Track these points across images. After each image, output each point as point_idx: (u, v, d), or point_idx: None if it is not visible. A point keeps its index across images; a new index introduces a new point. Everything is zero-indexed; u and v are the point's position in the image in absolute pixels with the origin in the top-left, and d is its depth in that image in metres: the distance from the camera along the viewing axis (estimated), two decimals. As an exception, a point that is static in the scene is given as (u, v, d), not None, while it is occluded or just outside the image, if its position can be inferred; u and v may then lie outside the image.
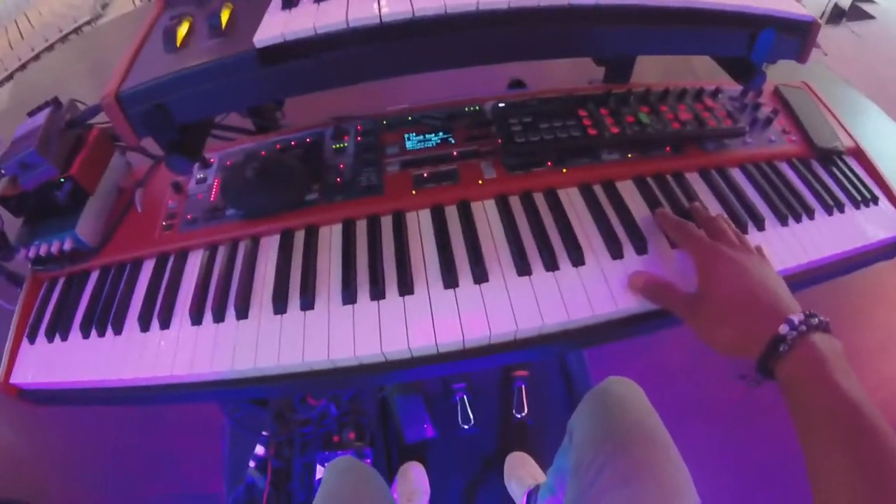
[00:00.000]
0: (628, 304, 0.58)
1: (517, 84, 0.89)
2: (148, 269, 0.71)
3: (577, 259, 0.62)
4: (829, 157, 0.78)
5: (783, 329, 0.46)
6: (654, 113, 0.75)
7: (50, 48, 3.45)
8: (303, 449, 1.24)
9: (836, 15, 2.76)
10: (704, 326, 0.51)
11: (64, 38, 3.55)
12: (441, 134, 0.76)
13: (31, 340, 0.69)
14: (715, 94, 0.81)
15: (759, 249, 0.59)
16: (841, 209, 0.72)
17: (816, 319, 0.46)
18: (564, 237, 0.64)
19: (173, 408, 1.44)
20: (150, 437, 1.43)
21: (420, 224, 0.68)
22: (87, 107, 0.73)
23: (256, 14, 0.58)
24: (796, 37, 0.66)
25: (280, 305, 0.62)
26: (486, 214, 0.68)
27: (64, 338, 0.68)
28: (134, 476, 1.37)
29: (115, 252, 0.73)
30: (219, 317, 0.63)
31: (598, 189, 0.70)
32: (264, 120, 0.84)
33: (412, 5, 0.53)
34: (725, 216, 0.62)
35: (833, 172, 0.77)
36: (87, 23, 3.65)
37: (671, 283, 0.56)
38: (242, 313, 0.62)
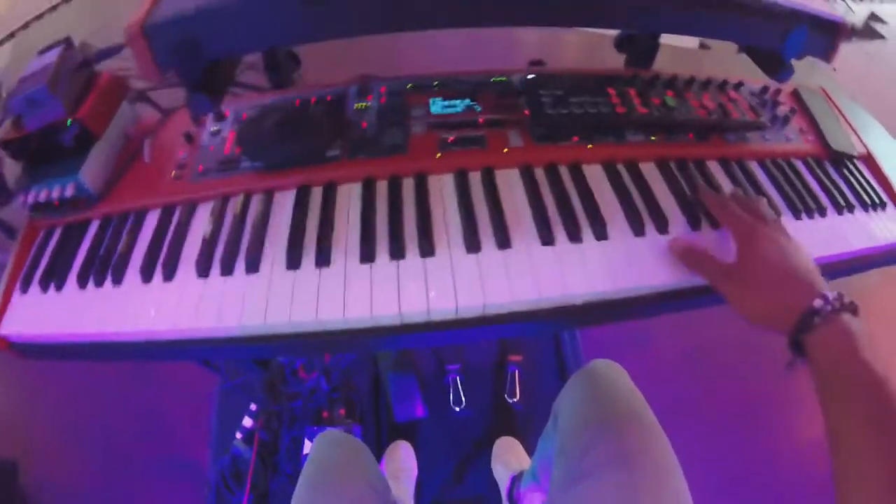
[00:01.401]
0: (651, 280, 0.58)
1: (537, 63, 0.88)
2: (153, 219, 0.68)
3: (601, 233, 0.62)
4: (842, 161, 0.79)
5: (818, 303, 0.48)
6: (679, 98, 0.75)
7: (53, 8, 3.34)
8: (291, 422, 1.22)
9: (849, 32, 2.80)
10: (740, 295, 0.54)
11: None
12: (467, 101, 0.75)
13: (24, 290, 0.66)
14: (738, 87, 0.81)
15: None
16: (851, 210, 0.73)
17: (848, 300, 0.49)
18: (588, 210, 0.64)
19: (165, 370, 1.41)
20: (139, 399, 1.40)
21: (443, 187, 0.67)
22: (101, 49, 0.71)
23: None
24: (826, 36, 0.68)
25: (294, 260, 0.60)
26: (510, 182, 0.67)
27: (59, 288, 0.64)
28: (120, 436, 1.34)
29: (118, 201, 0.70)
30: (227, 269, 0.61)
31: (621, 168, 0.69)
32: (282, 77, 0.82)
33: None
34: (765, 201, 0.64)
35: (844, 175, 0.78)
36: (94, -17, 3.54)
37: (709, 252, 0.58)
38: (253, 267, 0.60)
